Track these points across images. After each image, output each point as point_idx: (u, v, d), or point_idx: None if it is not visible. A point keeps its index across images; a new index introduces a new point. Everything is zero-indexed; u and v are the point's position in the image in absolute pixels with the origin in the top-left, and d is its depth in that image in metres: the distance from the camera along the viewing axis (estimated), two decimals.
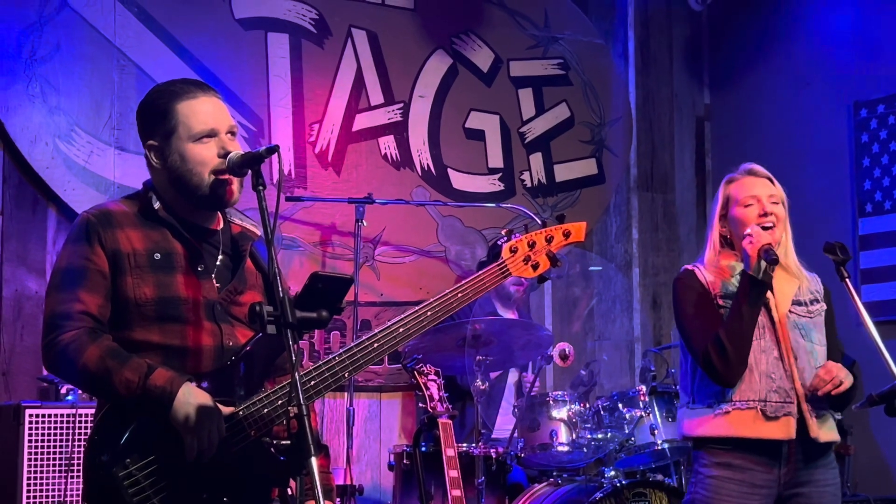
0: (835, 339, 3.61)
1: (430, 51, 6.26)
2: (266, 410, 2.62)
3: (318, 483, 2.26)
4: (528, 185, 6.52)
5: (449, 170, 6.24)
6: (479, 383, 4.70)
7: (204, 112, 2.77)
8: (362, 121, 6.02)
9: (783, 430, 3.39)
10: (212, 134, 2.76)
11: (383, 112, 6.09)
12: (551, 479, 4.97)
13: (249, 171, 2.72)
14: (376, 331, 2.76)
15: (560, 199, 6.61)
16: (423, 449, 4.66)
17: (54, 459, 4.45)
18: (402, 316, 2.79)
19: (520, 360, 5.18)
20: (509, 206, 5.96)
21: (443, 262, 6.16)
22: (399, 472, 4.97)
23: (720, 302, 3.48)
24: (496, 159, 6.42)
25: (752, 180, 3.55)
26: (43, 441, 4.46)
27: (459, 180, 6.28)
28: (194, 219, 2.82)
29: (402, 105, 6.13)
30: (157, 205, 2.79)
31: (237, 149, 2.78)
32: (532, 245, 3.00)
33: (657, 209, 7.08)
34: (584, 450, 4.88)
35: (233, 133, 2.81)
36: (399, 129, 6.12)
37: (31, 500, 4.41)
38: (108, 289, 2.70)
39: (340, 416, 5.67)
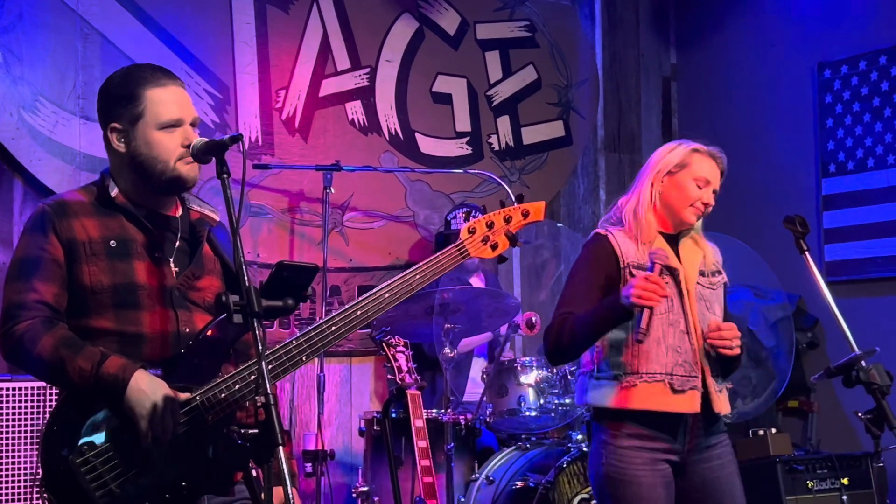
0: (726, 313, 3.62)
1: (397, 14, 6.24)
2: (223, 395, 2.65)
3: (285, 470, 2.30)
4: (496, 148, 6.54)
5: (416, 134, 6.25)
6: (448, 351, 4.74)
7: (172, 101, 2.79)
8: (329, 86, 6.01)
9: (689, 403, 3.43)
10: (178, 123, 2.78)
11: (350, 77, 6.08)
12: (519, 444, 5.04)
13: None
14: (334, 314, 2.78)
15: (528, 162, 6.64)
16: (394, 415, 4.71)
17: (25, 433, 4.46)
18: (360, 298, 2.82)
19: (487, 328, 5.22)
20: (476, 171, 5.98)
21: (412, 226, 6.19)
22: (370, 437, 5.03)
23: (632, 271, 3.43)
24: (463, 123, 6.44)
25: (712, 165, 3.55)
26: (13, 415, 4.47)
27: (427, 144, 6.29)
28: (152, 205, 2.84)
29: (368, 70, 6.12)
30: (113, 192, 2.80)
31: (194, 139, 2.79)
32: (490, 226, 3.02)
33: (624, 170, 7.11)
34: (552, 415, 4.95)
35: (194, 125, 2.83)
36: (366, 94, 6.11)
37: (3, 474, 4.43)
38: (64, 278, 2.73)
39: (311, 382, 5.71)
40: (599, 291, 3.44)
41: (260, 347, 2.41)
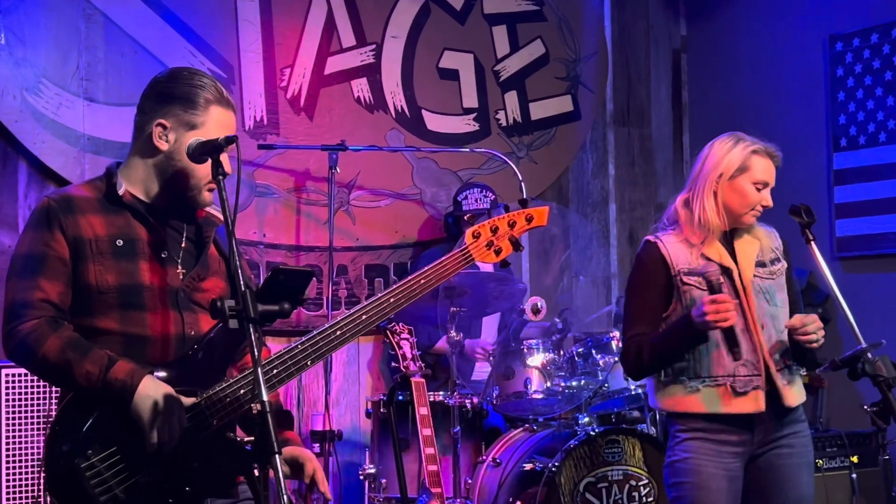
0: (795, 296, 3.62)
1: None
2: (228, 399, 2.64)
3: (282, 483, 2.28)
4: (504, 124, 6.48)
5: (423, 111, 6.20)
6: (453, 334, 4.73)
7: (230, 127, 2.79)
8: (334, 64, 5.95)
9: (753, 404, 3.45)
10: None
11: (355, 54, 6.02)
12: (526, 426, 5.04)
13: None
14: (339, 318, 2.77)
15: (536, 138, 6.59)
16: (400, 398, 4.70)
17: (33, 418, 4.47)
18: (364, 303, 2.81)
19: (495, 311, 5.20)
20: (481, 150, 5.93)
21: (418, 204, 6.15)
22: (376, 419, 5.03)
23: (683, 278, 3.47)
24: (471, 99, 6.38)
25: (771, 167, 3.54)
26: (21, 400, 4.48)
27: (434, 121, 6.24)
28: (161, 204, 2.82)
29: (374, 46, 6.07)
30: (121, 190, 2.78)
31: (228, 168, 2.75)
32: (495, 230, 3.01)
33: (633, 144, 7.06)
34: (559, 397, 4.94)
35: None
36: (372, 72, 6.06)
37: (11, 460, 4.44)
38: (69, 276, 2.70)
39: (318, 363, 5.70)
40: (659, 305, 3.48)
41: (256, 354, 2.39)
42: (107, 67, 5.29)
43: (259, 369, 2.37)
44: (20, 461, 4.45)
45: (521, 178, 5.57)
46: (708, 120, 7.02)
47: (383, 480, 4.89)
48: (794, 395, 3.52)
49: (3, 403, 4.45)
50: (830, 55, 6.36)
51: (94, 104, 5.25)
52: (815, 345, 3.41)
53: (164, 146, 2.76)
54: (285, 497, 2.30)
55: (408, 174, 6.12)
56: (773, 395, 3.46)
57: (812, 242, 3.49)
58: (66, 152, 5.19)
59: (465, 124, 6.35)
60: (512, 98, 6.52)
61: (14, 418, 4.46)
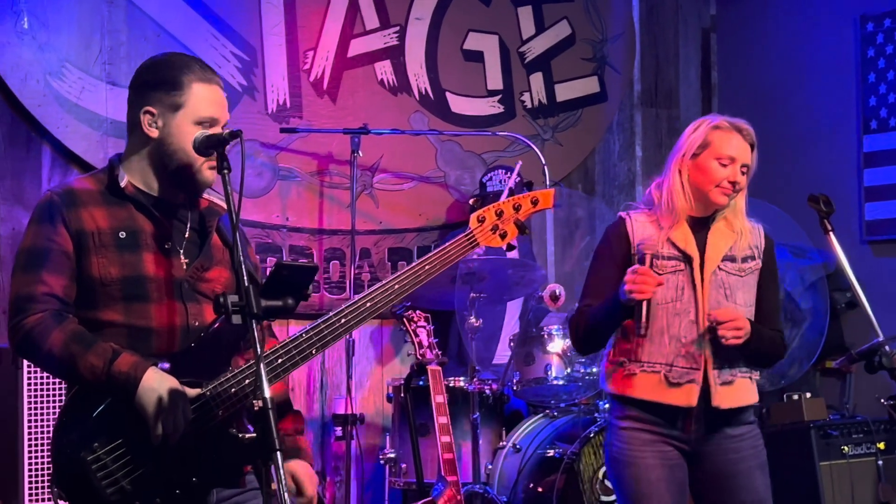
0: (771, 301, 3.50)
1: None
2: (234, 390, 2.63)
3: (283, 479, 2.28)
4: (529, 106, 6.44)
5: (447, 93, 6.17)
6: (473, 320, 4.71)
7: (214, 100, 2.78)
8: (358, 46, 5.93)
9: (684, 397, 3.37)
10: (213, 123, 2.77)
11: (379, 36, 5.99)
12: (547, 412, 5.02)
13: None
14: (344, 306, 2.76)
15: (561, 120, 6.54)
16: (420, 383, 4.69)
17: (55, 411, 4.49)
18: (368, 291, 2.79)
19: (513, 297, 5.17)
20: (504, 133, 5.90)
21: (442, 187, 6.12)
22: (397, 403, 5.04)
23: (648, 261, 3.33)
24: (495, 81, 6.33)
25: (738, 140, 3.41)
26: (42, 383, 4.50)
27: (458, 104, 6.20)
28: (163, 194, 2.81)
29: (398, 28, 6.03)
30: (123, 181, 2.77)
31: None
32: (500, 214, 2.97)
33: (662, 125, 6.99)
34: (579, 383, 4.92)
35: (223, 127, 2.80)
36: (395, 54, 6.03)
37: (32, 442, 4.46)
38: (73, 269, 2.71)
39: (341, 345, 5.70)
40: (614, 280, 3.38)
41: (259, 350, 2.39)
42: (129, 51, 5.29)
43: (262, 365, 2.37)
44: (43, 453, 4.47)
45: (544, 161, 5.55)
46: (738, 101, 6.94)
47: (403, 465, 4.90)
48: (728, 397, 3.39)
49: (26, 396, 4.46)
50: (861, 35, 6.27)
51: (116, 88, 5.25)
52: (728, 341, 3.29)
53: (154, 133, 2.76)
54: (285, 494, 2.30)
55: (432, 157, 6.10)
56: (706, 393, 3.38)
57: (831, 233, 3.43)
58: (88, 136, 5.20)
59: (490, 106, 6.31)
60: (537, 79, 6.47)
61: (36, 411, 4.48)
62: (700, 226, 3.46)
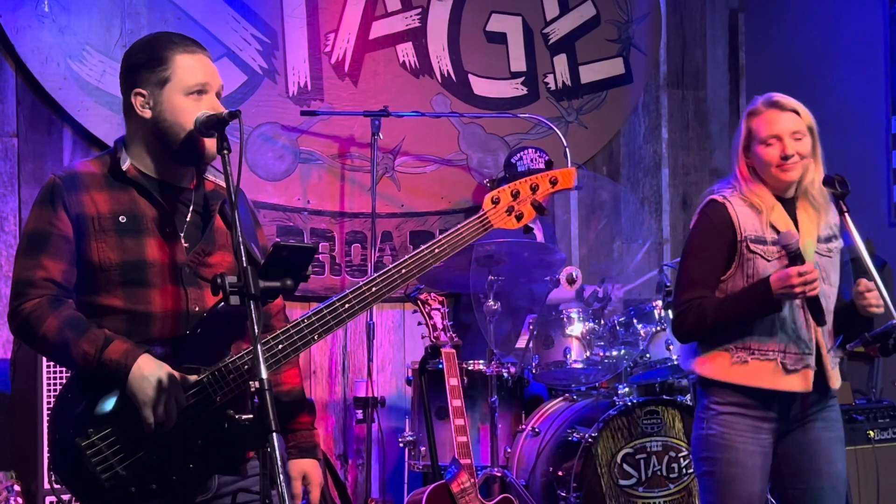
0: (842, 278, 3.51)
1: None
2: (232, 376, 2.60)
3: (277, 462, 2.27)
4: (553, 88, 6.38)
5: (469, 75, 6.13)
6: (491, 303, 4.68)
7: (200, 68, 2.74)
8: (379, 28, 5.90)
9: (801, 383, 3.36)
10: (204, 90, 2.73)
11: (401, 18, 5.96)
12: (566, 395, 4.99)
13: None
14: (346, 292, 2.71)
15: (585, 102, 6.48)
16: (440, 366, 4.66)
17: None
18: (373, 276, 2.75)
19: (532, 281, 5.13)
20: (526, 115, 5.85)
21: (464, 170, 6.09)
22: (416, 386, 5.02)
23: (750, 245, 3.35)
24: (518, 62, 6.28)
25: (775, 115, 3.39)
26: (62, 380, 4.50)
27: (480, 86, 6.16)
28: (166, 177, 2.78)
29: (419, 10, 6.00)
30: (125, 165, 2.75)
31: (216, 108, 2.74)
32: (516, 195, 2.86)
33: (688, 107, 6.92)
34: (599, 367, 4.88)
35: (219, 95, 2.77)
36: (417, 36, 6.00)
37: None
38: (73, 254, 2.69)
39: (363, 328, 5.70)
40: (720, 269, 3.38)
41: (256, 331, 2.37)
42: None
43: (259, 347, 2.35)
44: None
45: (566, 143, 5.50)
46: (766, 82, 6.84)
47: (422, 448, 4.89)
48: (838, 377, 3.46)
49: (45, 378, 4.48)
50: (890, 15, 6.17)
51: None
52: (873, 309, 3.32)
53: (147, 113, 2.73)
54: (281, 476, 2.28)
55: (454, 140, 6.07)
56: (819, 375, 3.38)
57: (846, 214, 3.37)
58: (109, 119, 5.22)
59: (513, 88, 6.26)
60: (561, 61, 6.41)
61: (55, 392, 4.47)
62: (788, 207, 3.44)
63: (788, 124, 3.38)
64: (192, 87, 2.71)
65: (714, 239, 3.39)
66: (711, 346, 3.41)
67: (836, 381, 3.43)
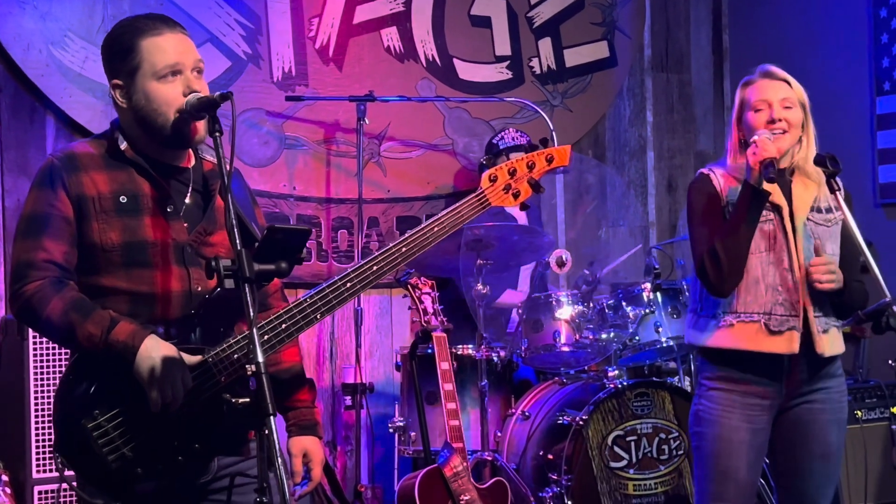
0: (852, 249, 3.46)
1: None
2: (236, 356, 2.60)
3: (275, 442, 2.26)
4: (538, 71, 6.37)
5: (454, 59, 6.10)
6: (480, 287, 4.67)
7: (168, 48, 2.69)
8: (363, 12, 5.86)
9: (786, 344, 3.38)
10: (177, 71, 2.68)
11: (385, 2, 5.93)
12: (556, 378, 4.99)
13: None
14: (348, 270, 2.72)
15: (570, 85, 6.47)
16: (430, 351, 4.66)
17: (60, 369, 4.48)
18: (374, 255, 2.75)
19: (521, 264, 5.13)
20: (512, 99, 5.83)
21: (450, 155, 6.07)
22: (405, 372, 5.00)
23: (731, 209, 3.42)
24: (503, 46, 6.26)
25: (766, 83, 3.48)
26: (48, 352, 4.49)
27: (466, 70, 6.14)
28: (163, 157, 2.76)
29: None
30: (123, 145, 2.73)
31: (203, 87, 2.72)
32: (513, 173, 2.90)
33: (672, 90, 6.92)
34: (588, 350, 4.88)
35: (199, 70, 2.73)
36: (402, 20, 5.96)
37: (38, 411, 4.47)
38: (74, 235, 2.67)
39: (350, 315, 5.68)
40: (720, 212, 3.43)
41: (252, 314, 2.36)
42: None
43: (254, 329, 2.34)
44: (48, 423, 4.47)
45: (552, 127, 5.49)
46: (750, 64, 6.75)
47: (412, 433, 4.88)
48: (829, 344, 3.44)
49: (32, 366, 4.46)
50: None
51: None
52: (820, 286, 3.35)
53: (124, 104, 2.71)
54: (279, 459, 2.27)
55: (439, 124, 6.04)
56: (807, 340, 3.39)
57: (837, 193, 3.37)
58: (92, 106, 5.17)
59: (498, 72, 6.24)
60: (546, 45, 6.40)
61: (42, 381, 4.48)
62: (782, 179, 3.46)
63: (778, 91, 3.47)
64: (162, 71, 2.67)
65: (708, 203, 3.47)
66: (703, 313, 3.49)
67: (825, 346, 3.42)
